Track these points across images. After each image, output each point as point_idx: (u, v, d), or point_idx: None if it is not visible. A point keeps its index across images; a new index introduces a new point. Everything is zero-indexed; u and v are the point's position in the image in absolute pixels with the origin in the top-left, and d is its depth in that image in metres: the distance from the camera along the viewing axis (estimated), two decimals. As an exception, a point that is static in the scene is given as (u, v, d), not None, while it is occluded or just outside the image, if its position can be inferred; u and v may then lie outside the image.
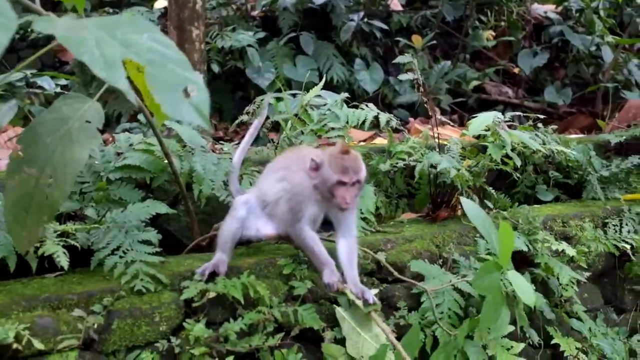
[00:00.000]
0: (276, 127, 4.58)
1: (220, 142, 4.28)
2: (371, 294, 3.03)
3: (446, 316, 3.28)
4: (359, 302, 2.99)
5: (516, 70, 8.70)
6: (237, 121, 4.62)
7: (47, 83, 6.07)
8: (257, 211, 3.16)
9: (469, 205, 3.03)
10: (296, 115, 4.22)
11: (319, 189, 2.99)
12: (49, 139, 2.36)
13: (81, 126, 2.43)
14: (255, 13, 9.09)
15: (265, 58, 7.94)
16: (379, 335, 3.02)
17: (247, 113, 4.36)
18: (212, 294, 2.82)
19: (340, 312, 3.06)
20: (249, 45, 7.65)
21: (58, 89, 6.09)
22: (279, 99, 4.36)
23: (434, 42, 8.35)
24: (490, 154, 3.94)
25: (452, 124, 5.28)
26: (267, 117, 4.05)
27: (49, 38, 2.09)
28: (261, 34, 8.05)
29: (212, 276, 2.92)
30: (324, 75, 7.67)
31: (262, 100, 4.22)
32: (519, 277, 2.88)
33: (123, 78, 1.79)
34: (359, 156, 3.03)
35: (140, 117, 6.22)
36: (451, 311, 3.30)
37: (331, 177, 2.92)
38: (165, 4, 8.20)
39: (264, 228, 3.15)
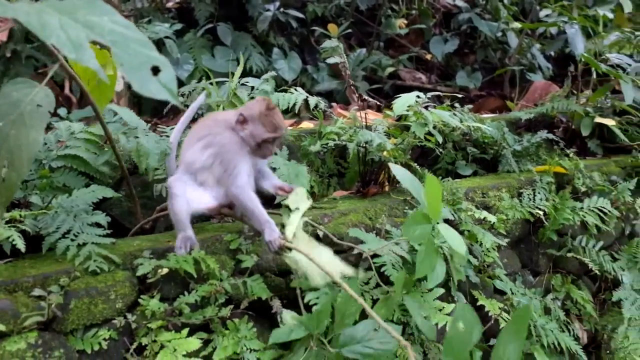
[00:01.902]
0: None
1: (158, 126, 4.34)
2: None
3: (391, 266, 3.46)
4: (299, 190, 3.27)
5: (428, 56, 9.02)
6: (168, 106, 4.71)
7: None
8: (192, 184, 3.25)
9: (397, 169, 3.17)
10: (227, 98, 4.34)
11: (245, 141, 3.19)
12: (2, 123, 2.40)
13: (33, 110, 2.48)
14: (170, 4, 9.06)
15: (183, 49, 7.94)
16: (332, 257, 3.10)
17: (182, 95, 4.48)
18: (165, 270, 2.91)
19: (289, 257, 3.10)
20: (167, 37, 7.64)
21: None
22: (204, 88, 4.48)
23: (349, 30, 8.57)
24: (414, 132, 4.19)
25: (378, 103, 5.52)
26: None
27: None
28: (178, 26, 8.04)
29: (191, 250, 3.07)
30: (243, 65, 7.77)
31: (196, 82, 4.36)
32: (449, 228, 3.02)
33: (93, 58, 1.88)
34: (279, 110, 3.29)
35: (60, 111, 6.18)
36: (394, 262, 3.50)
37: (262, 134, 3.16)
38: (78, -4, 8.08)
39: (202, 200, 3.24)
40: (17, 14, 1.94)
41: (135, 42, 1.96)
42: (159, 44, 7.77)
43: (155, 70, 1.89)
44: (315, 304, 3.18)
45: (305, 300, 3.19)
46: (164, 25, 7.82)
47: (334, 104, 6.87)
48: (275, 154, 3.86)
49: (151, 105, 7.39)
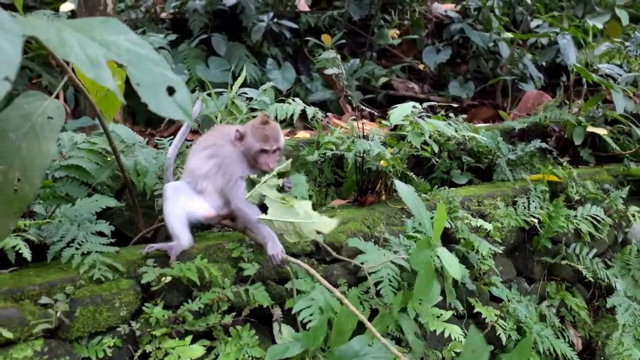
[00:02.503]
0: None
1: (157, 138, 4.38)
2: None
3: (387, 282, 3.51)
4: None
5: (421, 66, 9.10)
6: (166, 119, 4.74)
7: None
8: (190, 192, 3.29)
9: (402, 188, 3.25)
10: (225, 108, 4.38)
11: (244, 155, 3.26)
12: (14, 135, 2.43)
13: (44, 122, 2.52)
14: (164, 15, 9.11)
15: (177, 60, 7.99)
16: (307, 210, 3.11)
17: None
18: (168, 278, 2.95)
19: (264, 218, 3.11)
20: (161, 47, 7.68)
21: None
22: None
23: (343, 41, 8.63)
24: (410, 141, 4.24)
25: (374, 113, 5.57)
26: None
27: None
28: (172, 36, 8.09)
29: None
30: (237, 75, 7.79)
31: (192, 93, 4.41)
32: (447, 253, 3.14)
33: (110, 77, 1.91)
34: (277, 126, 3.33)
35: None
36: (391, 278, 3.54)
37: (254, 146, 3.21)
38: (72, 7, 8.09)
39: (199, 208, 3.28)
40: (37, 32, 1.97)
41: (150, 61, 2.00)
42: (154, 55, 7.80)
43: (170, 90, 1.94)
44: (310, 321, 3.21)
45: (300, 318, 3.22)
46: (159, 36, 7.87)
47: (329, 114, 6.93)
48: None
49: (145, 115, 7.44)
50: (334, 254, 3.57)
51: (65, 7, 8.38)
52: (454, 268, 3.17)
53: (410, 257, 3.12)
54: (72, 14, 7.92)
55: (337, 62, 4.36)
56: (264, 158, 3.24)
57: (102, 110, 3.18)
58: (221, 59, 8.17)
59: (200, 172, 3.28)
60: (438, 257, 3.25)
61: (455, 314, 4.01)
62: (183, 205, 3.21)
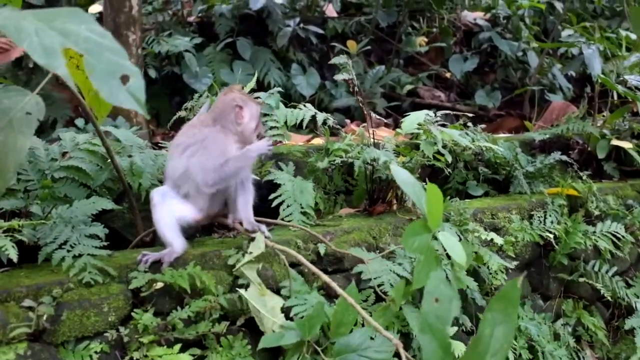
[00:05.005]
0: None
1: (161, 142, 4.35)
2: (264, 228, 3.32)
3: (389, 287, 3.43)
4: (259, 236, 3.25)
5: (448, 74, 8.97)
6: (175, 117, 4.71)
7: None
8: (175, 196, 3.26)
9: (398, 171, 3.10)
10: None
11: (240, 132, 3.30)
12: (-9, 129, 2.42)
13: (22, 117, 2.51)
14: (191, 19, 9.13)
15: (202, 63, 7.98)
16: (275, 307, 3.12)
17: (185, 109, 4.48)
18: (159, 285, 2.89)
19: (244, 294, 3.11)
20: (186, 51, 7.69)
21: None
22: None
23: (369, 47, 8.56)
24: (422, 150, 4.14)
25: (388, 122, 5.48)
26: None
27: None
28: (198, 40, 8.09)
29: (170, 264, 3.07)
30: (262, 80, 7.78)
31: (199, 96, 4.38)
32: (450, 237, 2.99)
33: (62, 65, 1.89)
34: None
35: (78, 122, 6.22)
36: (392, 283, 3.46)
37: (257, 107, 3.37)
38: (100, 8, 8.15)
39: (187, 212, 3.26)
40: (-5, 18, 1.96)
41: (109, 51, 1.98)
42: (178, 57, 7.83)
43: (125, 79, 1.90)
44: (303, 317, 3.14)
45: (293, 313, 3.17)
46: (185, 39, 7.88)
47: (347, 121, 6.85)
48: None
49: (169, 117, 7.43)
50: (333, 246, 3.52)
51: (93, 9, 8.47)
52: (458, 252, 2.99)
53: (403, 239, 2.92)
54: (101, 16, 7.97)
55: (348, 67, 4.26)
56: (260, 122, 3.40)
57: (94, 109, 3.13)
58: (246, 63, 8.14)
59: (178, 172, 3.23)
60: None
61: (463, 329, 3.89)
62: (172, 210, 3.17)
